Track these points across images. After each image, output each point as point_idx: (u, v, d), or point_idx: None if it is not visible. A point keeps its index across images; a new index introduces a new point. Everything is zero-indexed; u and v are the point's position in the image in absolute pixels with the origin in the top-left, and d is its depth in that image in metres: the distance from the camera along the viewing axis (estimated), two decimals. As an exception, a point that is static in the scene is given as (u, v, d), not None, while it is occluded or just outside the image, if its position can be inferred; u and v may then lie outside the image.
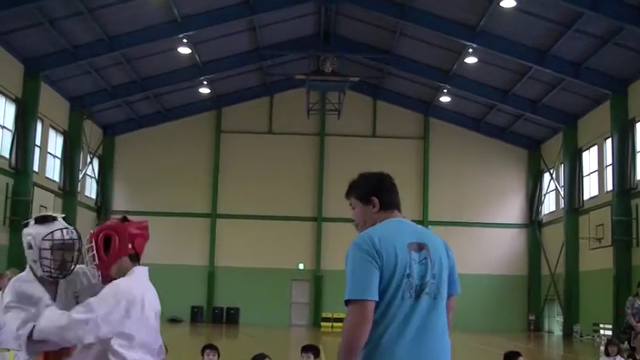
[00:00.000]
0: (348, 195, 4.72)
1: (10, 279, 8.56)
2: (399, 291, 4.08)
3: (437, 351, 4.24)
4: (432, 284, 4.26)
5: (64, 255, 4.98)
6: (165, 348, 5.02)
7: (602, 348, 26.93)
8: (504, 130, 44.23)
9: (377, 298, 4.04)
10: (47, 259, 4.93)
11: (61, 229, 5.04)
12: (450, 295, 4.53)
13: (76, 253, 5.04)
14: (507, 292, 43.64)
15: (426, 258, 4.29)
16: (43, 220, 5.13)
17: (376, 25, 36.18)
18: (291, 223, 43.68)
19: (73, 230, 5.14)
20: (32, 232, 5.04)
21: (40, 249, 4.95)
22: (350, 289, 4.13)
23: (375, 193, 4.56)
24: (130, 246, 4.96)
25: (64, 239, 4.99)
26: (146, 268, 5.15)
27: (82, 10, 29.61)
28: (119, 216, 5.40)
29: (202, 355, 9.68)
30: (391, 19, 34.22)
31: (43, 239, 4.95)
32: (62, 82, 36.35)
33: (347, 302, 4.12)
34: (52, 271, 4.96)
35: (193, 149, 44.86)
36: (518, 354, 9.33)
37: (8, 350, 8.30)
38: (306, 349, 9.65)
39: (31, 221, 5.16)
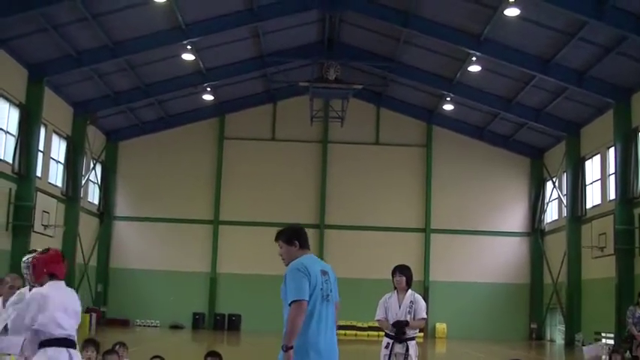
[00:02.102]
0: (277, 239, 7.09)
1: (10, 286, 8.58)
2: (317, 297, 6.57)
3: (334, 339, 6.77)
4: (330, 295, 6.76)
5: None
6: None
7: (604, 357, 26.94)
8: (507, 139, 44.23)
9: (308, 299, 6.47)
10: None
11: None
12: (335, 301, 6.91)
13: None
14: (509, 300, 43.58)
15: (327, 279, 6.80)
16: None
17: (380, 33, 36.22)
18: (293, 230, 43.61)
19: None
20: None
21: None
22: (292, 294, 6.44)
23: (296, 237, 6.97)
24: (44, 270, 7.40)
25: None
26: (58, 282, 7.47)
27: (87, 16, 29.67)
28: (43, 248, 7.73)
29: None
30: (395, 27, 34.24)
31: None
32: (66, 87, 36.42)
33: (291, 302, 6.40)
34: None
35: (196, 156, 44.88)
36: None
37: (9, 355, 8.34)
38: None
39: None
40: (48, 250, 7.56)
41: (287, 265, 6.77)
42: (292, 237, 6.96)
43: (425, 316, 10.37)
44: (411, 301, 10.31)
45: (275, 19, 33.79)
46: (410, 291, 10.45)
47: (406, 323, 10.14)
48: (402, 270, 10.50)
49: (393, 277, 10.50)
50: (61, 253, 7.58)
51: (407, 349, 10.09)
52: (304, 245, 6.96)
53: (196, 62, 36.54)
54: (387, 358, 10.23)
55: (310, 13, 35.17)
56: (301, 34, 37.49)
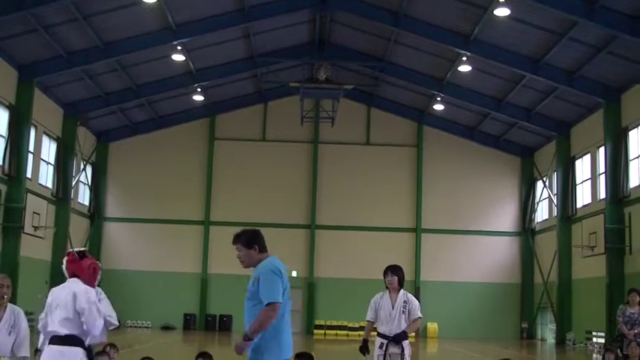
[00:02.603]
0: (235, 242, 7.34)
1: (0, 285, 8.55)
2: (286, 298, 6.97)
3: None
4: (285, 294, 6.99)
5: None
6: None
7: (594, 356, 27.01)
8: (498, 139, 44.31)
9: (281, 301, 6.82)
10: None
11: None
12: None
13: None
14: (500, 299, 43.64)
15: (288, 280, 7.10)
16: None
17: (370, 33, 36.26)
18: (284, 231, 43.60)
19: None
20: None
21: None
22: (269, 296, 6.78)
23: (255, 241, 7.21)
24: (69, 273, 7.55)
25: None
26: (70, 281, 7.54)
27: (77, 17, 29.59)
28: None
29: None
30: (385, 27, 34.29)
31: None
32: (56, 88, 36.32)
33: (267, 304, 6.75)
34: None
35: (187, 156, 44.83)
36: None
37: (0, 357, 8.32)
38: (299, 356, 9.60)
39: None
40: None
41: (247, 267, 7.27)
42: (252, 241, 7.22)
43: (420, 315, 10.31)
44: (404, 301, 10.24)
45: (266, 19, 33.74)
46: (402, 291, 10.38)
47: (404, 335, 10.09)
48: (394, 270, 10.44)
49: (384, 277, 10.42)
50: (72, 252, 7.74)
51: (402, 350, 10.06)
52: (263, 249, 7.22)
53: (187, 63, 36.50)
54: (381, 358, 10.18)
55: (301, 13, 35.16)
56: (292, 34, 37.48)
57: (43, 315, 7.49)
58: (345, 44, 38.59)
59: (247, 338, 6.80)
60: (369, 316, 10.40)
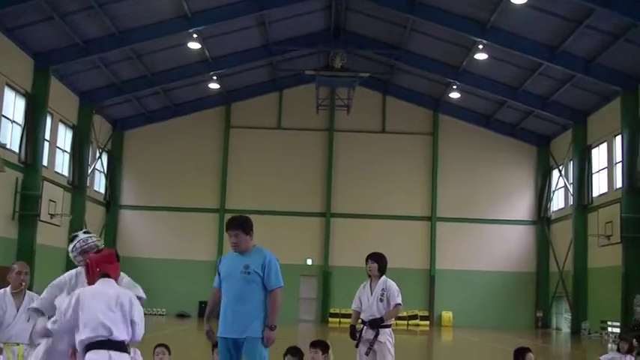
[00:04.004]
0: (233, 229, 7.93)
1: (17, 272, 8.60)
2: None
3: None
4: None
5: None
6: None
7: (609, 345, 26.92)
8: (514, 127, 44.15)
9: None
10: None
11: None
12: None
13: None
14: (515, 288, 43.56)
15: None
16: None
17: (386, 20, 36.14)
18: (299, 219, 43.69)
19: None
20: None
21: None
22: (278, 281, 7.80)
23: (252, 228, 7.98)
24: (97, 270, 6.89)
25: None
26: (106, 279, 6.88)
27: (93, 5, 29.66)
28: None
29: (213, 352, 9.59)
30: (401, 15, 34.17)
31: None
32: (72, 76, 36.42)
33: (277, 288, 7.76)
34: None
35: (202, 144, 44.90)
36: (528, 350, 9.30)
37: (18, 344, 8.34)
38: (314, 344, 9.62)
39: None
40: (102, 250, 7.35)
41: (241, 251, 7.97)
42: (250, 228, 7.95)
43: (398, 302, 10.18)
44: (382, 288, 10.20)
45: (281, 7, 33.78)
46: (383, 277, 10.36)
47: (381, 320, 10.08)
48: (374, 257, 10.43)
49: (366, 264, 10.44)
50: (114, 252, 7.16)
51: (376, 335, 10.03)
52: (252, 234, 8.05)
53: (202, 51, 36.51)
54: (360, 344, 10.23)
55: (316, 1, 35.13)
56: (307, 22, 37.41)
57: (59, 316, 6.75)
58: (361, 32, 38.48)
59: (274, 327, 7.62)
60: (354, 305, 10.47)
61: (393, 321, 10.46)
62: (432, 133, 45.12)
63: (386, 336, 10.04)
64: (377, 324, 9.99)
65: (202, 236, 43.96)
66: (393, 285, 10.25)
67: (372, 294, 10.22)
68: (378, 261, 10.32)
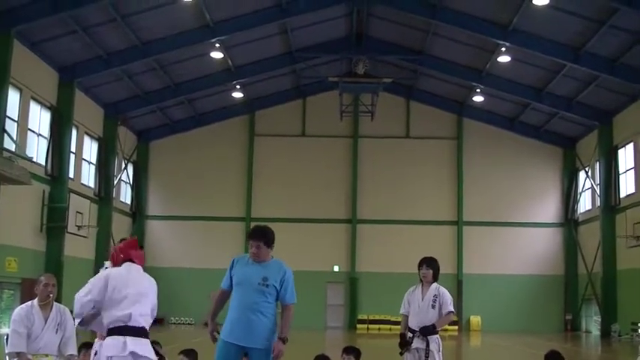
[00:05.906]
0: (258, 239, 8.09)
1: (45, 284, 8.64)
2: None
3: None
4: None
5: None
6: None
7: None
8: (539, 129, 43.92)
9: None
10: None
11: None
12: None
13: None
14: (544, 292, 43.29)
15: None
16: None
17: (408, 25, 36.10)
18: (325, 226, 43.68)
19: None
20: None
21: None
22: (294, 297, 7.95)
23: (273, 241, 8.15)
24: (121, 256, 7.26)
25: None
26: (129, 265, 7.25)
27: (115, 17, 29.89)
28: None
29: None
30: (423, 20, 34.13)
31: None
32: (96, 88, 36.67)
33: (291, 304, 7.90)
34: None
35: (227, 153, 45.02)
36: (559, 355, 9.11)
37: (47, 356, 8.37)
38: (347, 350, 9.57)
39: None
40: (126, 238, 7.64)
41: (259, 261, 8.15)
42: (272, 241, 8.16)
43: (452, 310, 9.88)
44: (434, 295, 9.83)
45: (303, 14, 33.80)
46: (435, 284, 10.02)
47: (433, 327, 9.80)
48: (429, 263, 10.06)
49: (419, 269, 10.12)
50: (136, 240, 7.62)
51: (427, 344, 9.74)
52: None
53: (225, 60, 36.65)
54: (406, 351, 9.94)
55: (338, 8, 35.13)
56: (329, 29, 37.44)
57: (93, 294, 6.77)
58: (383, 38, 38.45)
59: (286, 340, 7.67)
60: (403, 309, 10.12)
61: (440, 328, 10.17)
62: (457, 137, 44.98)
63: (435, 344, 9.78)
64: (429, 331, 9.70)
65: (228, 245, 43.92)
66: (446, 292, 9.88)
67: (422, 299, 9.89)
68: (433, 267, 10.00)
